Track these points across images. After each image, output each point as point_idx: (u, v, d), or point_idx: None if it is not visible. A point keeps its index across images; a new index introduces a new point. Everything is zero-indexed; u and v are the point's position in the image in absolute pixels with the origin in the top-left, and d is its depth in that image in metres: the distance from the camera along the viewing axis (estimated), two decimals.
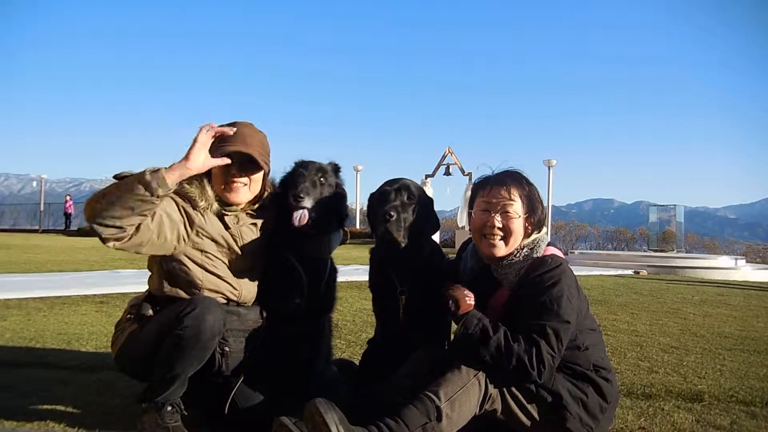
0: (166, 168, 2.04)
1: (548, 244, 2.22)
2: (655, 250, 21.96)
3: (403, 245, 2.30)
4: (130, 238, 2.04)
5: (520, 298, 2.09)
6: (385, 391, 2.12)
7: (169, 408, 2.13)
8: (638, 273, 12.62)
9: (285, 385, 2.31)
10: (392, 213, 2.25)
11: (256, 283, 2.40)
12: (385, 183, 2.41)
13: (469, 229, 2.32)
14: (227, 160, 2.20)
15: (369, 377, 2.39)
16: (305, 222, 2.24)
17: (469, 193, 2.38)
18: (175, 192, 2.16)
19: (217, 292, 2.27)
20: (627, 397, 2.88)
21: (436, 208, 2.54)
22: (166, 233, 2.15)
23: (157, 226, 2.12)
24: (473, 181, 2.41)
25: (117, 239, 2.01)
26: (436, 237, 2.67)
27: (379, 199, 2.36)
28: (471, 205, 2.30)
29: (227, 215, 2.32)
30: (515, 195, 2.17)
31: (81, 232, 27.13)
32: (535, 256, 2.15)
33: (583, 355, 2.11)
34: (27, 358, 3.39)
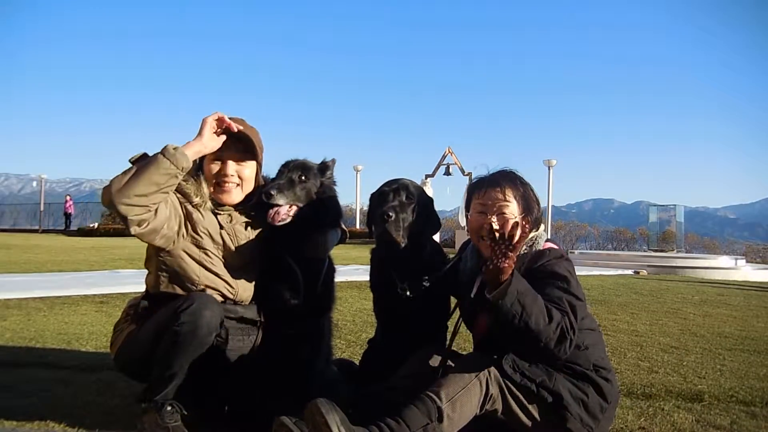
0: (182, 145, 2.14)
1: (546, 241, 2.23)
2: (655, 250, 21.96)
3: (402, 245, 2.30)
4: (150, 223, 2.09)
5: None
6: (385, 391, 2.12)
7: (169, 408, 2.13)
8: (638, 273, 12.61)
9: (285, 385, 2.30)
10: (390, 213, 2.25)
11: (253, 282, 2.40)
12: (384, 184, 2.40)
13: (467, 230, 2.32)
14: (223, 138, 2.25)
15: (369, 377, 2.39)
16: (280, 219, 2.23)
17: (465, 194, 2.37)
18: None
19: (213, 289, 2.27)
20: (627, 397, 2.88)
21: (436, 208, 2.54)
22: (173, 223, 2.20)
23: (170, 211, 2.18)
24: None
25: (142, 220, 2.06)
26: (436, 237, 2.67)
27: (377, 200, 2.35)
28: (467, 207, 2.31)
29: (220, 214, 2.34)
30: (510, 196, 2.17)
31: (81, 232, 27.13)
32: (534, 250, 2.16)
33: (583, 354, 2.11)
34: (27, 358, 3.39)
